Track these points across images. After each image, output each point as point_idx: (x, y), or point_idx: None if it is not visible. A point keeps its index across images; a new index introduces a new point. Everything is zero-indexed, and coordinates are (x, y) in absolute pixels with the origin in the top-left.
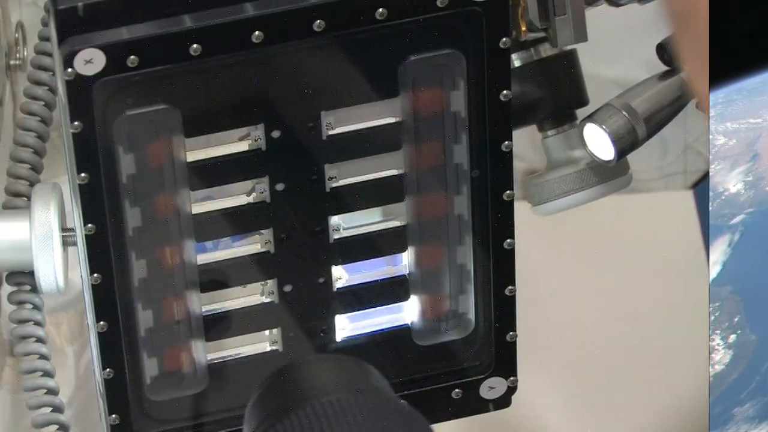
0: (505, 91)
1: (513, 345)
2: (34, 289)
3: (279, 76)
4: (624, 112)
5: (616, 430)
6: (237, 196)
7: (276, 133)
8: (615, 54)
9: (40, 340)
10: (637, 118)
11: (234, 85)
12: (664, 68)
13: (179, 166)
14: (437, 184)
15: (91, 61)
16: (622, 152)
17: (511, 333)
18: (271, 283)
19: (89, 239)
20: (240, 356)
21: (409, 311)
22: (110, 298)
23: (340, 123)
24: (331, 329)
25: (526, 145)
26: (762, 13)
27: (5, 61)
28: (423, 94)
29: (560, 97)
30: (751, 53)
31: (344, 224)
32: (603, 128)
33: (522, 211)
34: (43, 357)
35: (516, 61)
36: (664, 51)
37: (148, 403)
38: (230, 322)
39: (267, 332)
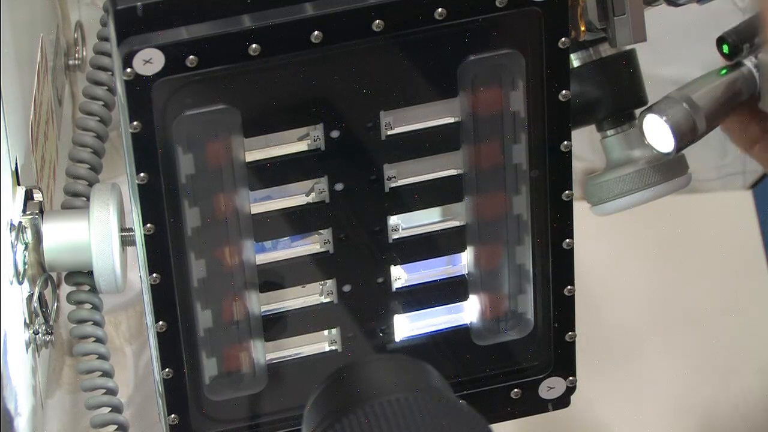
0: (564, 91)
1: (572, 345)
2: (93, 289)
3: (338, 76)
4: (685, 104)
5: (676, 430)
6: (296, 196)
7: (335, 133)
8: (674, 54)
9: (99, 340)
10: (697, 110)
11: (293, 85)
12: (724, 64)
13: (238, 166)
14: (496, 184)
15: (150, 61)
16: (681, 145)
17: (570, 333)
18: (330, 283)
19: (148, 239)
20: (299, 356)
21: (468, 311)
22: (169, 298)
23: (399, 123)
24: (390, 329)
25: (585, 145)
26: None
27: (64, 61)
28: (482, 94)
29: (619, 97)
30: None
31: (403, 224)
32: (663, 119)
33: (581, 211)
34: (102, 357)
35: (575, 61)
36: (724, 45)
37: (207, 403)
38: (289, 322)
39: (326, 332)
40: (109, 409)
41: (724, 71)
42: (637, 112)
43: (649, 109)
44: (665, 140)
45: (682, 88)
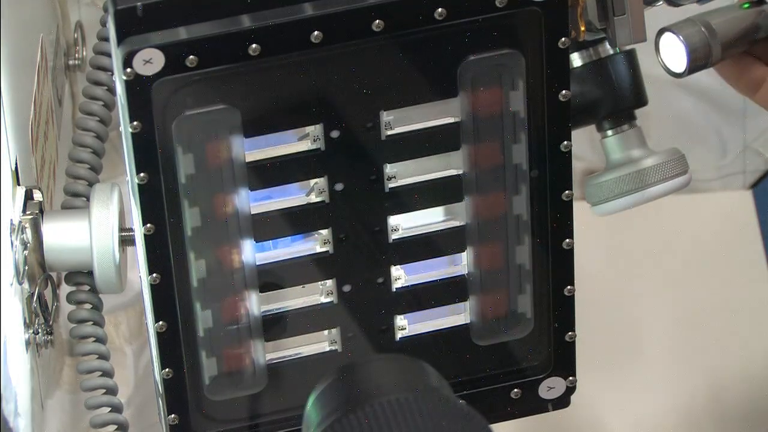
0: (564, 91)
1: (572, 345)
2: (93, 289)
3: (338, 76)
4: (703, 28)
5: (675, 430)
6: (296, 196)
7: (335, 133)
8: None
9: (99, 339)
10: (714, 36)
11: (293, 85)
12: None
13: (238, 166)
14: (496, 184)
15: (150, 61)
16: (693, 66)
17: (570, 333)
18: (330, 283)
19: (148, 239)
20: (299, 356)
21: (468, 311)
22: (169, 298)
23: (399, 123)
24: (390, 329)
25: (585, 145)
26: None
27: (64, 61)
28: (482, 94)
29: (619, 97)
30: None
31: (403, 224)
32: (680, 38)
33: (581, 211)
34: (102, 357)
35: (575, 61)
36: None
37: (206, 403)
38: (289, 322)
39: (326, 332)
40: (109, 409)
41: (746, 5)
42: (637, 112)
43: (667, 28)
44: (678, 60)
45: (702, 14)
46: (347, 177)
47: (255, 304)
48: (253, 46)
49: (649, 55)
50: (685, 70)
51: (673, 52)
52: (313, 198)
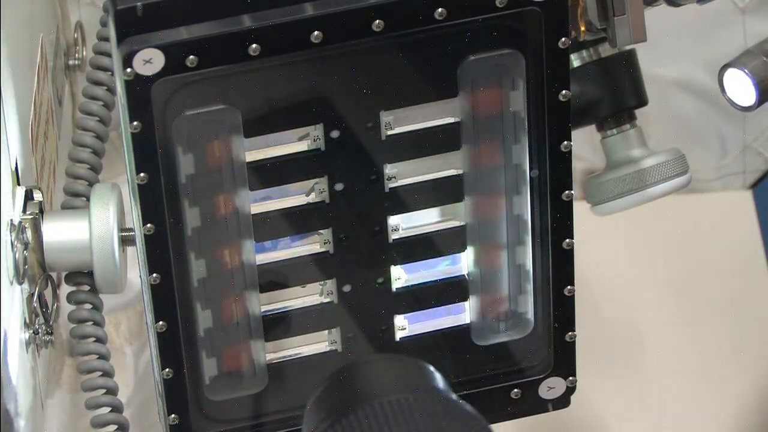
0: (564, 91)
1: (572, 345)
2: (93, 289)
3: (338, 76)
4: (765, 58)
5: (675, 430)
6: (296, 196)
7: (335, 133)
8: (674, 54)
9: (99, 339)
10: None
11: (293, 85)
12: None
13: (238, 166)
14: (496, 184)
15: (150, 61)
16: (763, 98)
17: (570, 333)
18: (330, 283)
19: (148, 239)
20: (299, 356)
21: (468, 311)
22: (169, 298)
23: (399, 123)
24: (390, 329)
25: (585, 145)
26: None
27: (64, 62)
28: (482, 94)
29: (619, 97)
30: None
31: (403, 224)
32: (745, 72)
33: (581, 211)
34: (102, 357)
35: (575, 61)
36: None
37: (207, 403)
38: (289, 322)
39: (326, 332)
40: (109, 409)
41: None
42: (637, 112)
43: (728, 65)
44: (746, 94)
45: (762, 43)
46: (347, 177)
47: (255, 304)
48: (253, 46)
49: (649, 55)
50: (755, 102)
51: (739, 87)
52: (313, 198)
